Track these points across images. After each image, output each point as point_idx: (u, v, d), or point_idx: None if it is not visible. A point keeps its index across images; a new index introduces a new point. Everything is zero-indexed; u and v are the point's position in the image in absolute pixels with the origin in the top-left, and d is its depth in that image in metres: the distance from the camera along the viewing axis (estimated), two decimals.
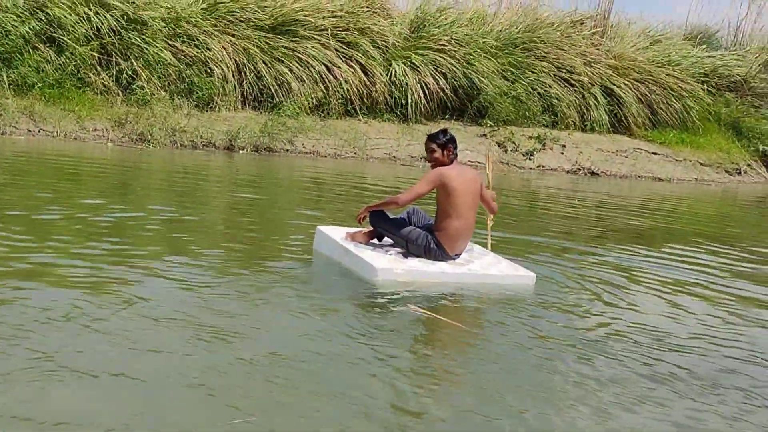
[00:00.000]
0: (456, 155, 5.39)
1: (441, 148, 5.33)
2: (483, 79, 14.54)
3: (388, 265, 5.07)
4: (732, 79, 17.74)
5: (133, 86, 11.86)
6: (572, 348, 4.00)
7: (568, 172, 14.41)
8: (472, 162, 13.61)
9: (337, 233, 5.62)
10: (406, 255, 5.34)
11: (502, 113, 14.58)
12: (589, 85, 15.64)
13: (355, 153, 13.01)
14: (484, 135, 14.44)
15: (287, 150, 12.46)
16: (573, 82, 15.57)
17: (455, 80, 14.36)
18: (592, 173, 14.48)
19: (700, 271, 6.24)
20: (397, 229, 5.39)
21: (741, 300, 5.48)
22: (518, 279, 5.22)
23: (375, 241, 5.57)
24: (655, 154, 15.70)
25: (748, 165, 16.82)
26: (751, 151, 17.10)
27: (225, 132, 12.06)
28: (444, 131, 5.41)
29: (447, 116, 14.64)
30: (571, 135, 15.06)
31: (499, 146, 14.28)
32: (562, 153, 14.72)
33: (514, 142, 14.34)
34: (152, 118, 11.64)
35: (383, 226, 5.45)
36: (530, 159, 14.27)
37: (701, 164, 16.09)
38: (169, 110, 11.95)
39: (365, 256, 5.18)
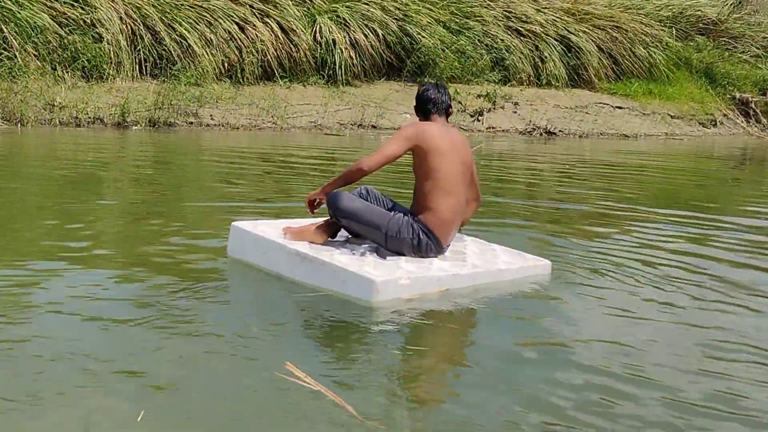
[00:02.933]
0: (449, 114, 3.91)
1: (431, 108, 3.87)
2: (421, 32, 12.87)
3: (388, 275, 3.34)
4: (703, 22, 16.11)
5: (2, 57, 10.11)
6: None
7: (521, 133, 12.78)
8: None
9: (269, 230, 3.80)
10: (382, 255, 3.65)
11: (445, 70, 12.92)
12: (544, 34, 13.98)
13: (274, 123, 11.33)
14: None
15: (191, 123, 10.76)
16: (525, 32, 13.92)
17: (390, 35, 12.69)
18: (549, 133, 12.86)
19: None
20: (373, 216, 3.66)
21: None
22: (533, 270, 3.86)
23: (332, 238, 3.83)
24: (619, 108, 14.09)
25: (724, 115, 15.28)
26: (727, 99, 15.54)
27: (114, 105, 10.33)
28: (437, 86, 3.92)
29: (383, 76, 12.96)
30: (524, 91, 13.42)
31: None
32: (515, 112, 13.10)
33: (460, 102, 12.67)
34: (27, 92, 9.90)
35: (350, 212, 3.64)
36: (479, 120, 12.64)
37: (672, 117, 14.52)
38: (48, 83, 10.22)
39: (345, 263, 3.42)
